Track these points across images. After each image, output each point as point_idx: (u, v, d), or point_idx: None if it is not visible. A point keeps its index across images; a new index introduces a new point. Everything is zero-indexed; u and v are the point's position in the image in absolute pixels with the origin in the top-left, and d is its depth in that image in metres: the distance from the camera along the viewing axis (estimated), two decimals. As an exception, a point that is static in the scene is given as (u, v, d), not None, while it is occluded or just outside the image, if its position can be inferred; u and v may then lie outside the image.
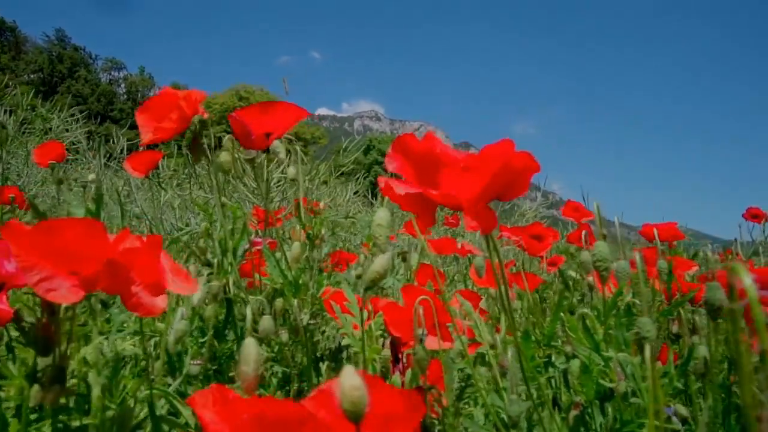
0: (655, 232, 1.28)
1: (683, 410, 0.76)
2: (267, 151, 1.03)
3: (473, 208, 0.45)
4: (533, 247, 2.10)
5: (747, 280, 0.19)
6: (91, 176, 1.32)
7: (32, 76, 40.24)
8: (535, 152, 0.43)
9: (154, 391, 0.84)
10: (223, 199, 1.10)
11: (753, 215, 2.65)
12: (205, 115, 0.86)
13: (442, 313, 0.85)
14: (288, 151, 1.35)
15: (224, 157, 0.91)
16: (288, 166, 1.32)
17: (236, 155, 0.93)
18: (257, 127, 0.91)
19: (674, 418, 0.79)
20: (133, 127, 1.14)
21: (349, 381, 0.32)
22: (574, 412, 0.66)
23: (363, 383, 0.32)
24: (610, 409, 0.68)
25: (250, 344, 0.46)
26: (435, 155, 0.45)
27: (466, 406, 0.95)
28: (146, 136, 0.84)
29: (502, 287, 0.58)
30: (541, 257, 2.10)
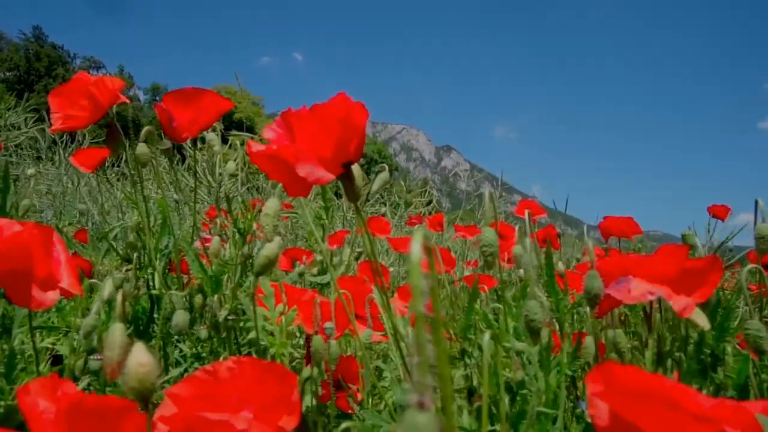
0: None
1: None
2: (196, 141, 1.01)
3: (327, 165, 0.46)
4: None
5: (415, 247, 0.19)
6: (30, 171, 1.28)
7: (8, 74, 39.35)
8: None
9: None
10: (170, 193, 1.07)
11: (717, 211, 2.67)
12: (124, 100, 0.84)
13: (361, 307, 0.84)
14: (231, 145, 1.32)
15: (141, 149, 0.89)
16: (232, 159, 1.30)
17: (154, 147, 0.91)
18: (181, 116, 0.89)
19: (587, 412, 0.79)
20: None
21: (137, 358, 0.31)
22: (477, 404, 0.65)
23: (151, 360, 0.31)
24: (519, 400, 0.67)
25: (115, 329, 0.44)
26: (293, 119, 0.46)
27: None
28: (56, 123, 0.81)
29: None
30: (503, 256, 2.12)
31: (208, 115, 0.92)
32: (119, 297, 0.50)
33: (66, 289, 0.63)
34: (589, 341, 0.59)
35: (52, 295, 0.61)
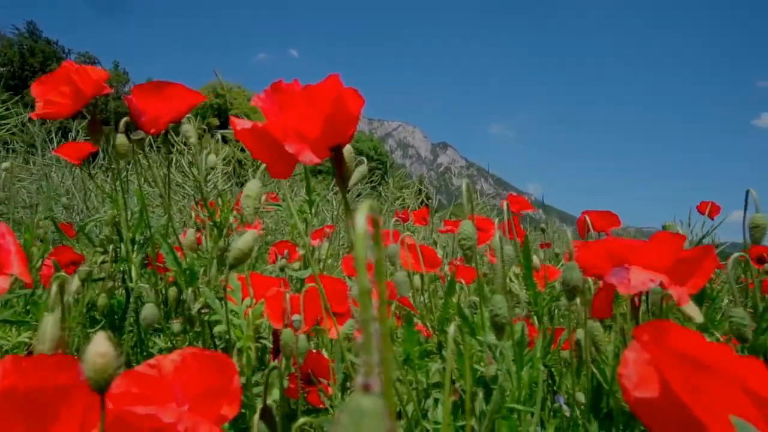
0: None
1: (581, 397, 0.75)
2: (167, 133, 0.99)
3: (314, 146, 0.44)
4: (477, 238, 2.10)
5: (359, 219, 0.17)
6: (5, 165, 1.27)
7: (2, 69, 39.05)
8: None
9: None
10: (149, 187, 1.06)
11: (706, 208, 2.67)
12: (108, 91, 0.82)
13: (338, 302, 0.83)
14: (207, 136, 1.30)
15: (120, 139, 0.87)
16: (209, 153, 1.28)
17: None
18: (150, 109, 0.87)
19: (564, 406, 0.78)
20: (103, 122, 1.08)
21: (96, 348, 0.29)
22: (451, 399, 0.64)
23: (111, 350, 0.29)
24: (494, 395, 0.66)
25: (47, 322, 0.43)
26: (284, 91, 0.44)
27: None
28: (38, 108, 0.80)
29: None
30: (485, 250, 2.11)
31: (177, 107, 0.90)
32: (54, 288, 0.48)
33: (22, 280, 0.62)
34: (581, 333, 0.57)
35: (2, 283, 0.60)
